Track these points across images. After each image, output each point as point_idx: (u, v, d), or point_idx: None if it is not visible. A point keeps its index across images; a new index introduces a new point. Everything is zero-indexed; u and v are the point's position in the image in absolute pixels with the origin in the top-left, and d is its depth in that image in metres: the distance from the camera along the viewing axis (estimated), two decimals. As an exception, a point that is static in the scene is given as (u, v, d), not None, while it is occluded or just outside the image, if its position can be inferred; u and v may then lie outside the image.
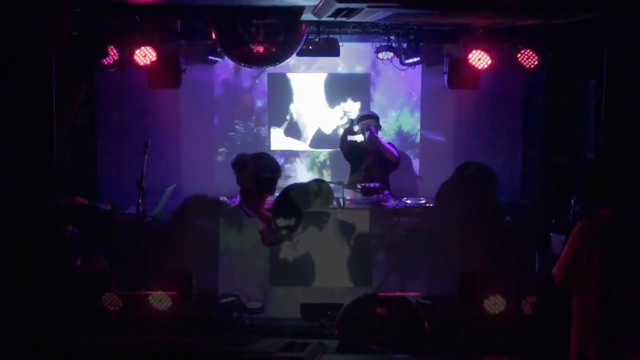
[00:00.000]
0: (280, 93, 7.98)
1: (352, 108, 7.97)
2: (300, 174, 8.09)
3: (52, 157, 4.92)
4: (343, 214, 6.25)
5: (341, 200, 6.53)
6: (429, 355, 4.97)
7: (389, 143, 7.08)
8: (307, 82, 7.96)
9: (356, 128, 7.13)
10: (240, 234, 6.33)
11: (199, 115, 7.86)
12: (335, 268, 6.12)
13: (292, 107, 8.02)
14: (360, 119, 7.19)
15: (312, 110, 7.99)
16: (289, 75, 7.90)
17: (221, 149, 7.99)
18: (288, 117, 8.01)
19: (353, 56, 7.84)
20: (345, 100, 7.98)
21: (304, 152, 8.10)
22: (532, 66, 6.49)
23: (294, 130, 8.03)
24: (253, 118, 8.05)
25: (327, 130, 8.02)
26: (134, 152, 6.26)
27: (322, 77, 7.96)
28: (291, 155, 8.12)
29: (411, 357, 4.59)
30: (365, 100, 7.95)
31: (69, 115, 5.18)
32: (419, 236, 6.31)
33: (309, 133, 8.06)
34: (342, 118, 7.93)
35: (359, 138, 7.17)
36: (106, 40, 6.27)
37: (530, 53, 6.44)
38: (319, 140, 8.04)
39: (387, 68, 7.31)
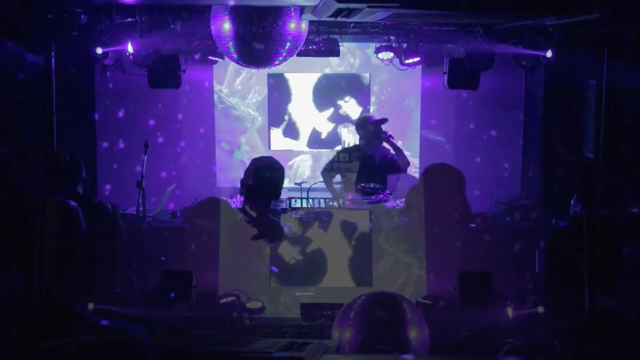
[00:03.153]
0: (279, 93, 7.98)
1: (350, 108, 7.97)
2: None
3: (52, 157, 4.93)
4: (344, 214, 6.25)
5: (341, 200, 6.53)
6: (429, 355, 4.96)
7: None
8: (305, 82, 7.95)
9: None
10: (240, 234, 6.32)
11: (199, 115, 7.86)
12: (336, 268, 6.11)
13: (290, 107, 8.01)
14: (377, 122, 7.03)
15: (310, 110, 7.98)
16: (286, 75, 7.89)
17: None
18: (286, 118, 8.01)
19: (352, 56, 7.84)
20: (344, 100, 7.98)
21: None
22: None
23: (292, 131, 8.03)
24: (248, 125, 8.04)
25: (325, 130, 8.02)
26: (134, 152, 6.26)
27: (321, 77, 7.95)
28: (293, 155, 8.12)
29: (414, 357, 4.59)
30: (364, 101, 7.95)
31: None
32: (419, 236, 6.30)
33: (307, 133, 8.05)
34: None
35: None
36: (106, 40, 6.28)
37: None
38: (316, 140, 8.03)
39: (387, 68, 7.31)
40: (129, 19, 6.21)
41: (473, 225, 6.20)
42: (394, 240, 6.25)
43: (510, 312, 5.38)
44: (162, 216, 6.39)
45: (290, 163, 8.05)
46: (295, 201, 6.45)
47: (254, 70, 7.61)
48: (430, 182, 6.05)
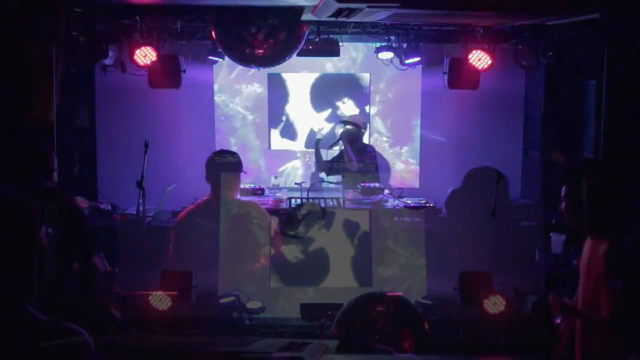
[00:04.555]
0: (278, 93, 7.97)
1: (348, 109, 7.96)
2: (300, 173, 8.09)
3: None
4: (345, 213, 6.24)
5: (341, 200, 6.53)
6: (429, 355, 4.97)
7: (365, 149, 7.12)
8: (303, 82, 7.94)
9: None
10: (241, 234, 6.31)
11: (198, 115, 7.86)
12: (339, 267, 6.11)
13: (288, 108, 8.00)
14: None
15: (307, 111, 7.96)
16: (284, 75, 7.88)
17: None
18: (284, 118, 8.00)
19: (352, 56, 7.84)
20: (341, 101, 7.97)
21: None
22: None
23: (289, 131, 8.01)
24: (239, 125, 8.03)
25: (323, 131, 7.99)
26: (134, 152, 6.26)
27: (319, 77, 7.94)
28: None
29: (415, 356, 4.60)
30: (363, 101, 7.95)
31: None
32: (419, 236, 6.30)
33: (304, 134, 8.03)
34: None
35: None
36: (106, 40, 6.28)
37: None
38: (313, 141, 8.00)
39: (387, 68, 7.31)
40: (129, 19, 6.21)
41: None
42: (396, 240, 6.26)
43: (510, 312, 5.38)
44: (162, 216, 6.39)
45: (281, 169, 8.05)
46: (295, 201, 6.45)
47: (248, 69, 7.58)
48: (471, 185, 6.05)
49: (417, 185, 7.92)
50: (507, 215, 6.15)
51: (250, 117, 8.07)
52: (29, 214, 2.07)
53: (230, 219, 5.95)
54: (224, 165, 5.89)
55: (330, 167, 7.23)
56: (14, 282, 2.03)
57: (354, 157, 7.03)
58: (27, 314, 2.01)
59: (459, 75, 6.66)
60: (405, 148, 8.03)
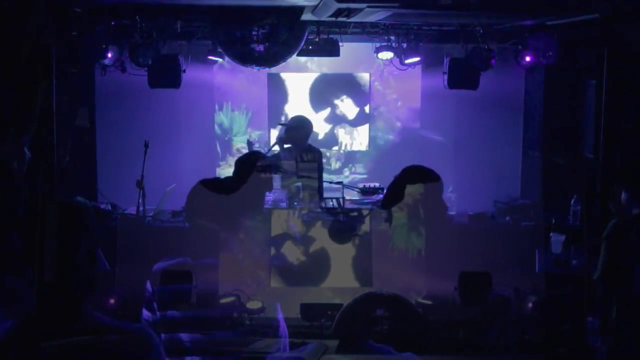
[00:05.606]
0: (278, 93, 7.96)
1: (347, 108, 7.95)
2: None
3: (52, 157, 4.93)
4: (345, 214, 6.24)
5: (341, 200, 6.52)
6: (429, 355, 4.97)
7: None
8: (302, 82, 7.93)
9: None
10: (241, 233, 6.32)
11: (198, 116, 7.86)
12: (340, 267, 6.11)
13: (287, 108, 7.99)
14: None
15: (306, 111, 7.95)
16: (283, 75, 7.88)
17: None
18: (283, 118, 8.00)
19: (352, 56, 7.83)
20: (340, 100, 7.97)
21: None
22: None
23: (288, 131, 8.00)
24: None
25: (322, 131, 7.97)
26: (134, 152, 6.26)
27: (318, 77, 7.94)
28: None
29: (415, 356, 4.60)
30: (362, 101, 7.94)
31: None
32: (419, 236, 6.29)
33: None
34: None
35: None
36: (106, 40, 6.28)
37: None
38: (313, 142, 7.98)
39: (387, 68, 7.30)
40: (129, 19, 6.21)
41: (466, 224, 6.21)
42: (396, 240, 6.26)
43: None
44: (162, 216, 6.39)
45: (281, 171, 8.04)
46: (296, 201, 6.45)
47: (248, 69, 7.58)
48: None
49: (416, 185, 7.91)
50: (440, 214, 6.12)
51: (250, 117, 8.07)
52: (92, 222, 2.11)
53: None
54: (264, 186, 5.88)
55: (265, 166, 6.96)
56: (78, 285, 2.06)
57: (294, 161, 6.83)
58: (89, 316, 2.05)
59: (459, 75, 6.66)
60: (406, 147, 8.02)
